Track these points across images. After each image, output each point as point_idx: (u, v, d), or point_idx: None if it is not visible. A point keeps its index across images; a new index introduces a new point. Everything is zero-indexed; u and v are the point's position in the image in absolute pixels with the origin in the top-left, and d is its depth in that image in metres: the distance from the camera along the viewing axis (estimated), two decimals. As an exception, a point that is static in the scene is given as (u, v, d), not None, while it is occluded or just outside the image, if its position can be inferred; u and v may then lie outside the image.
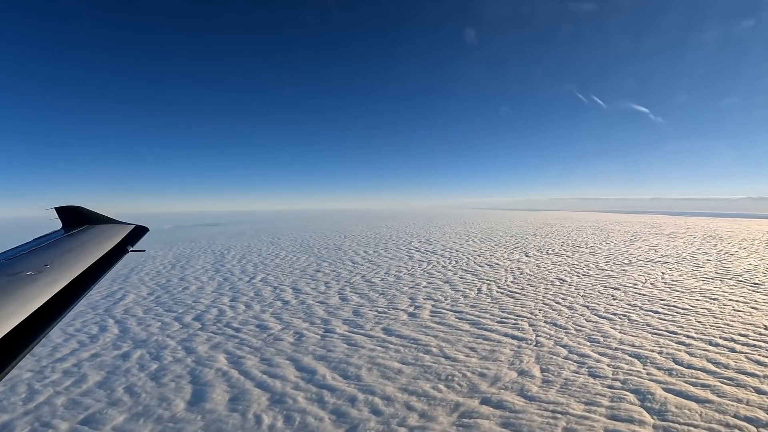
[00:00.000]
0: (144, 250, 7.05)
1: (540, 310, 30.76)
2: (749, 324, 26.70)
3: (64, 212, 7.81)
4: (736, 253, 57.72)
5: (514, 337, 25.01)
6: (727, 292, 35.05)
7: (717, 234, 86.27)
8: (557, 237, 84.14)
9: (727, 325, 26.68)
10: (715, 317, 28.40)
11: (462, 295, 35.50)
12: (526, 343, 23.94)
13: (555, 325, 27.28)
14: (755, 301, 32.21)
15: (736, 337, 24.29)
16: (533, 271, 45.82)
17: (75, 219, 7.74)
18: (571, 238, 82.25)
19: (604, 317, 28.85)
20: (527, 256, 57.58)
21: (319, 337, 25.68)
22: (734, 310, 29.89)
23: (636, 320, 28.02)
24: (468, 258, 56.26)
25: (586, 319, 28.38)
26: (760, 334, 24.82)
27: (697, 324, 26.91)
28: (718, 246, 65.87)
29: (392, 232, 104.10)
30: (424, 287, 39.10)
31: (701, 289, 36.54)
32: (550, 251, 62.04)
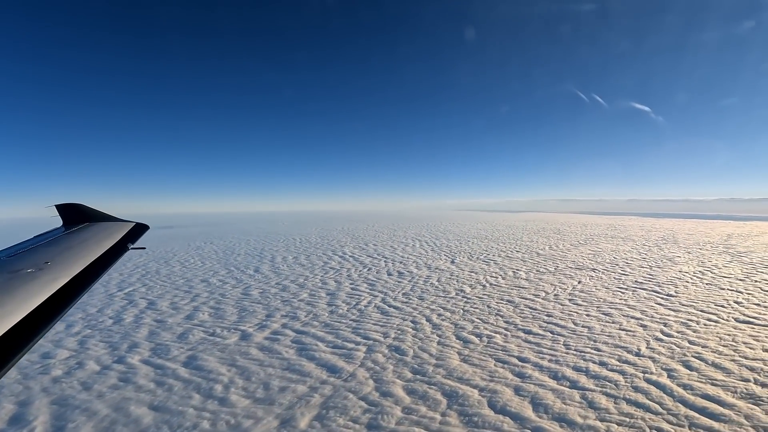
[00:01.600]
0: (144, 248, 6.98)
1: (399, 330, 26.77)
2: (622, 347, 23.05)
3: (64, 210, 7.71)
4: (677, 258, 54.75)
5: (330, 369, 20.92)
6: (630, 306, 31.59)
7: (673, 237, 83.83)
8: (506, 241, 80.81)
9: (596, 349, 23.00)
10: (589, 338, 24.73)
11: (330, 311, 31.41)
12: (335, 379, 19.87)
13: (397, 351, 23.29)
14: (652, 317, 28.68)
15: (592, 367, 20.54)
16: (440, 281, 42.00)
17: (75, 216, 7.67)
18: (521, 241, 78.99)
19: (463, 339, 24.99)
20: (452, 263, 53.81)
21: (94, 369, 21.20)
22: (619, 329, 26.27)
23: (494, 344, 24.17)
24: (386, 265, 52.31)
25: (438, 343, 24.43)
26: (625, 361, 21.11)
27: (560, 349, 23.15)
28: (664, 250, 63.02)
29: (340, 235, 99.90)
30: (301, 300, 34.96)
31: (604, 301, 33.02)
32: (481, 257, 58.43)
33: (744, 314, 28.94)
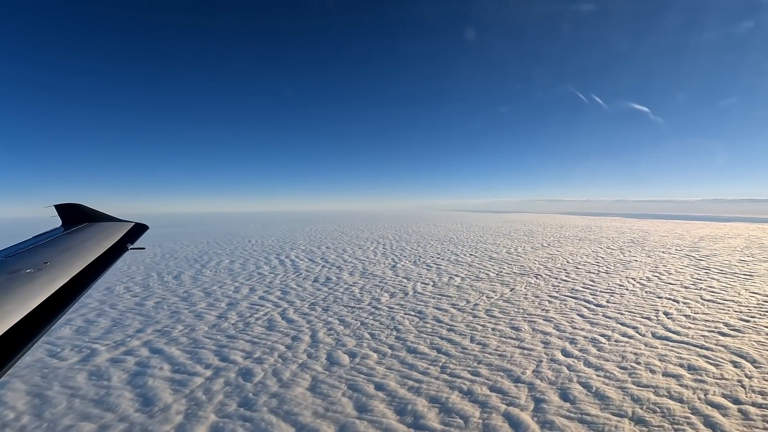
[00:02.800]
0: (143, 248, 7.03)
1: (269, 349, 23.84)
2: (505, 371, 20.24)
3: (63, 210, 7.72)
4: (633, 262, 52.34)
5: (145, 401, 17.89)
6: (547, 318, 28.98)
7: (644, 239, 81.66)
8: (467, 243, 78.16)
9: (474, 373, 20.23)
10: (476, 359, 21.93)
11: (213, 324, 28.42)
12: (139, 414, 16.85)
13: (245, 376, 20.33)
14: (563, 332, 25.99)
15: (452, 399, 17.68)
16: (363, 289, 39.22)
17: (75, 216, 7.69)
18: (482, 244, 76.37)
19: (333, 359, 22.09)
20: (393, 268, 50.96)
21: None
22: (517, 347, 23.50)
23: (362, 366, 21.27)
24: (320, 271, 49.46)
25: (300, 364, 21.47)
26: (496, 390, 18.27)
27: (432, 373, 20.34)
28: (625, 254, 60.70)
29: (301, 237, 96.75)
30: (193, 311, 31.88)
31: (523, 313, 30.36)
32: (428, 261, 55.67)
33: (666, 328, 26.35)
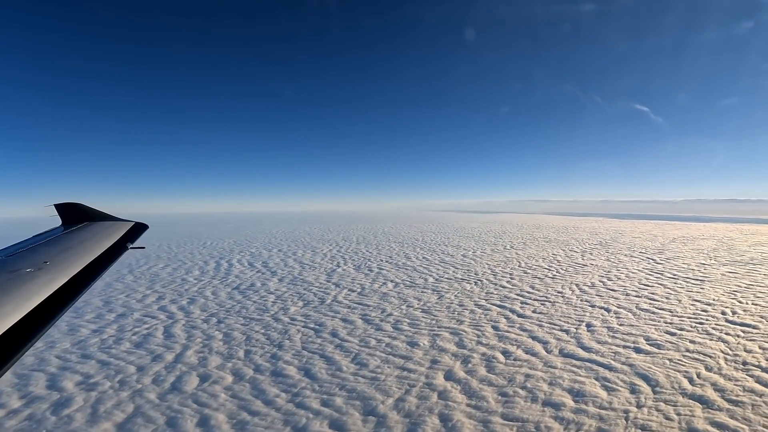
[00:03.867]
0: (143, 248, 7.01)
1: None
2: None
3: (63, 209, 7.70)
4: (589, 266, 50.12)
5: None
6: (456, 332, 26.41)
7: (613, 240, 79.77)
8: (427, 245, 75.67)
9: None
10: (310, 388, 19.16)
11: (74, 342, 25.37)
12: None
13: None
14: (454, 354, 23.36)
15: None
16: (280, 298, 36.50)
17: (74, 216, 7.68)
18: (442, 246, 73.93)
19: (133, 385, 19.19)
20: (330, 273, 48.16)
21: None
22: (371, 371, 20.81)
23: (166, 387, 18.42)
24: (250, 277, 46.63)
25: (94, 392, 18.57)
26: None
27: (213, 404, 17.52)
28: (585, 257, 58.56)
29: (260, 238, 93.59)
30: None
31: (425, 326, 27.76)
32: (373, 266, 53.09)
33: (579, 344, 23.94)
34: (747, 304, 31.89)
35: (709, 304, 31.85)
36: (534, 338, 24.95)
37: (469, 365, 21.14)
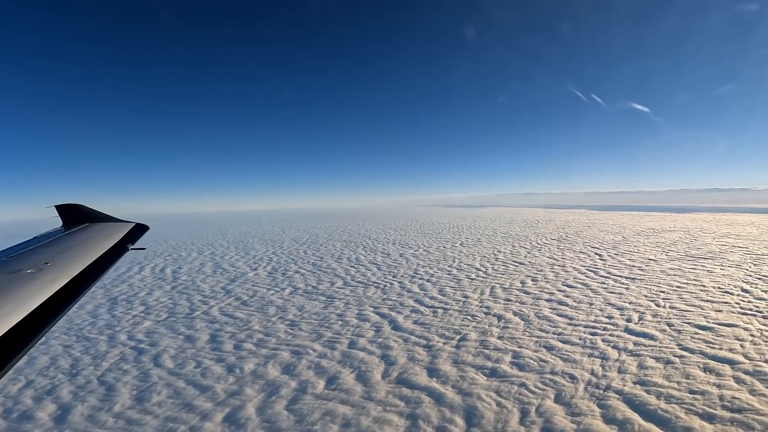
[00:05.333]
0: (144, 248, 7.08)
1: None
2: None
3: (64, 210, 7.77)
4: (534, 261, 46.60)
5: None
6: (340, 332, 22.68)
7: (576, 234, 76.32)
8: (372, 245, 72.05)
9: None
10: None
11: None
12: None
13: None
14: (299, 381, 19.68)
15: None
16: (167, 307, 32.62)
17: (75, 217, 7.76)
18: (392, 244, 70.39)
19: None
20: (234, 279, 44.47)
21: None
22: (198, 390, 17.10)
23: None
24: (143, 286, 42.74)
25: None
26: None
27: None
28: (543, 250, 55.03)
29: (219, 239, 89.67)
30: None
31: (303, 334, 23.98)
32: (289, 269, 49.35)
33: (429, 367, 20.33)
34: (664, 307, 28.42)
35: (620, 309, 28.36)
36: (383, 358, 21.32)
37: (273, 398, 17.47)
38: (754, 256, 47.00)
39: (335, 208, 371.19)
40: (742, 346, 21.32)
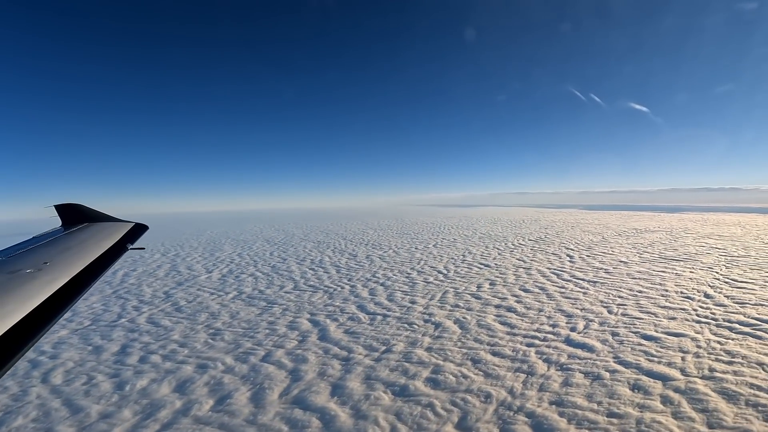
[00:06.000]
0: (143, 248, 7.73)
1: None
2: None
3: (63, 210, 7.81)
4: (496, 263, 44.97)
5: None
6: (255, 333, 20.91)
7: (556, 234, 74.81)
8: (341, 246, 70.37)
9: None
10: None
11: None
12: None
13: None
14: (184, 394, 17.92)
15: None
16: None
17: (74, 217, 7.80)
18: (362, 246, 68.60)
19: None
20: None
21: None
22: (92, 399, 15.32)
23: None
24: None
25: None
26: None
27: None
28: (515, 252, 53.40)
29: (190, 241, 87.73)
30: None
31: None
32: (234, 273, 47.55)
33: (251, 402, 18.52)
34: (616, 314, 26.88)
35: (569, 317, 26.78)
36: (292, 373, 19.61)
37: (147, 421, 15.71)
38: (729, 258, 45.54)
39: (332, 208, 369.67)
40: (683, 359, 19.73)
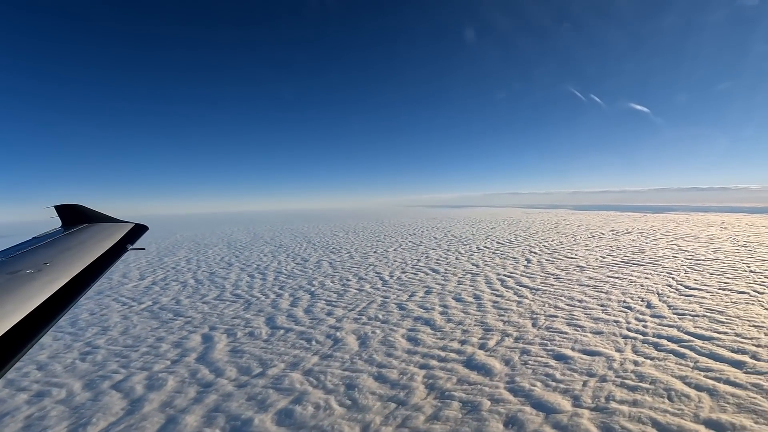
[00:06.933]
0: (143, 249, 7.58)
1: None
2: None
3: (63, 210, 7.89)
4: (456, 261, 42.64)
5: None
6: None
7: (533, 234, 72.53)
8: (298, 250, 68.03)
9: None
10: None
11: None
12: None
13: None
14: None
15: None
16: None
17: (74, 217, 7.88)
18: (323, 250, 66.28)
19: None
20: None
21: None
22: None
23: None
24: None
25: None
26: None
27: None
28: (484, 253, 51.09)
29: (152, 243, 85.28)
30: None
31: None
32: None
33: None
34: (539, 329, 24.54)
35: (487, 331, 24.44)
36: (134, 404, 17.17)
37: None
38: (694, 261, 43.31)
39: (327, 209, 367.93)
40: (584, 384, 17.38)
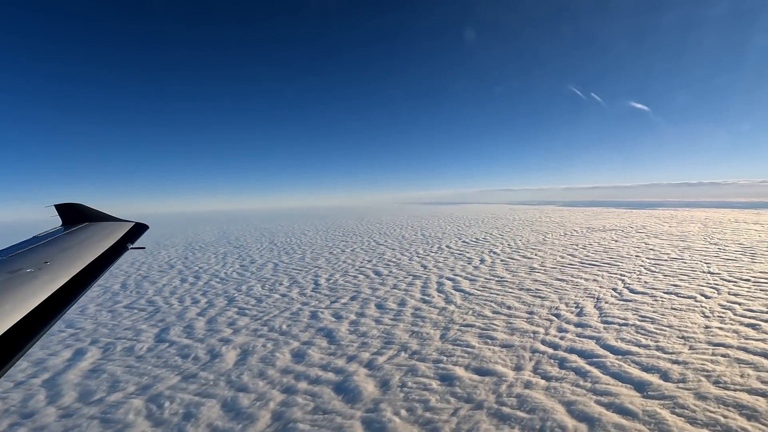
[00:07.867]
0: (144, 248, 7.12)
1: None
2: None
3: (63, 209, 7.91)
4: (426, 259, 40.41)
5: None
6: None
7: (498, 234, 70.32)
8: (268, 250, 65.79)
9: None
10: None
11: None
12: None
13: None
14: None
15: None
16: None
17: (75, 216, 7.91)
18: (300, 247, 64.10)
19: None
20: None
21: None
22: None
23: None
24: None
25: None
26: None
27: None
28: (453, 251, 48.89)
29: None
30: None
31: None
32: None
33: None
34: (445, 341, 22.27)
35: (389, 343, 22.19)
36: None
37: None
38: (655, 261, 41.15)
39: (322, 206, 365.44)
40: (454, 413, 15.10)
